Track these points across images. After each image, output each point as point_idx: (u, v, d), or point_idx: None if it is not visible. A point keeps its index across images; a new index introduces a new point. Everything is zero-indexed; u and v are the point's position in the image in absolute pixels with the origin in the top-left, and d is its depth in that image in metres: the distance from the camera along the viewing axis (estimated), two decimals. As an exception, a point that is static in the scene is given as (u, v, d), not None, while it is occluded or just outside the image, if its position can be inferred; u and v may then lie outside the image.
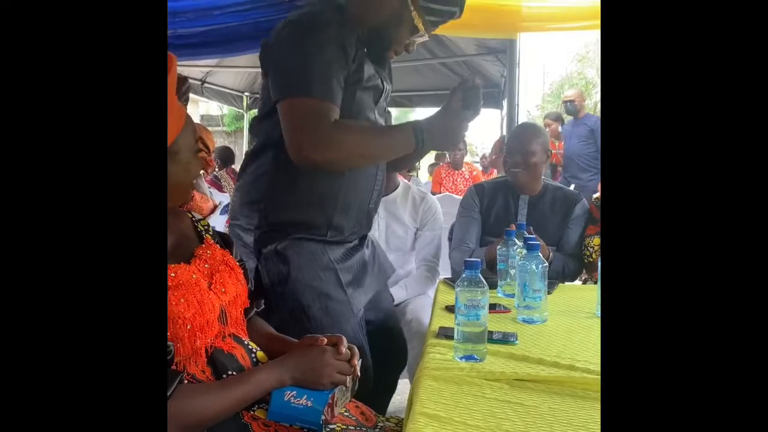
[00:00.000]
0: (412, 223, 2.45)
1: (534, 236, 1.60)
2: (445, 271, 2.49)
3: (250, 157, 1.55)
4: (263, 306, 1.27)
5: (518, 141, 2.22)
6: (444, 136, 1.48)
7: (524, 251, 1.49)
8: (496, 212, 2.26)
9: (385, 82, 1.55)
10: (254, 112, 8.59)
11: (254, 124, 1.57)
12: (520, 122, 3.01)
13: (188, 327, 1.00)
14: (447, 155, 7.92)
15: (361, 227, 1.59)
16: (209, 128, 6.48)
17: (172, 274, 1.02)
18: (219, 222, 3.49)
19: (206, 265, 1.10)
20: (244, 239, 1.51)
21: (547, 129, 5.19)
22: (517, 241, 1.66)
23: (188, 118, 1.07)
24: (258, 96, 6.66)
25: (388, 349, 1.65)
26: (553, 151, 5.02)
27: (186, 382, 0.99)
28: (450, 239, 2.63)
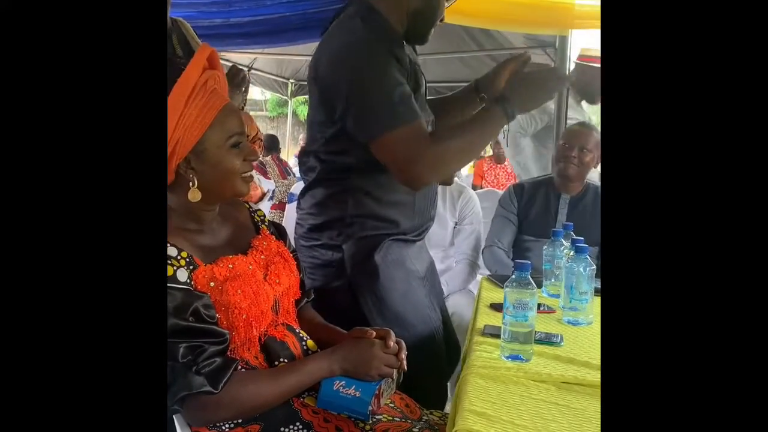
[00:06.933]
0: (451, 219, 2.47)
1: (582, 238, 1.58)
2: (485, 267, 2.50)
3: (313, 184, 1.48)
4: (313, 297, 1.30)
5: (576, 137, 2.26)
6: (533, 96, 1.41)
7: (572, 252, 1.48)
8: (535, 211, 2.29)
9: (421, 74, 1.50)
10: (299, 99, 8.64)
11: (311, 154, 1.47)
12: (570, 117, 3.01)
13: (244, 317, 1.04)
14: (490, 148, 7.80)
15: (428, 221, 1.59)
16: (251, 113, 6.54)
17: (230, 265, 1.06)
18: (266, 208, 3.56)
19: (262, 256, 1.14)
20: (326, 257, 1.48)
21: None
22: (564, 242, 1.65)
23: (219, 114, 1.04)
24: (303, 83, 6.72)
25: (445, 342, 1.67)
26: None
27: (240, 368, 1.03)
28: (490, 235, 2.65)
